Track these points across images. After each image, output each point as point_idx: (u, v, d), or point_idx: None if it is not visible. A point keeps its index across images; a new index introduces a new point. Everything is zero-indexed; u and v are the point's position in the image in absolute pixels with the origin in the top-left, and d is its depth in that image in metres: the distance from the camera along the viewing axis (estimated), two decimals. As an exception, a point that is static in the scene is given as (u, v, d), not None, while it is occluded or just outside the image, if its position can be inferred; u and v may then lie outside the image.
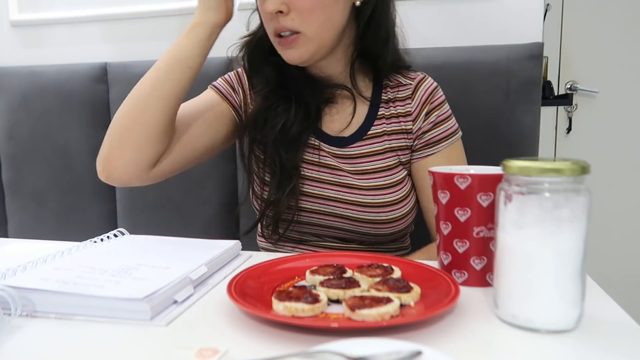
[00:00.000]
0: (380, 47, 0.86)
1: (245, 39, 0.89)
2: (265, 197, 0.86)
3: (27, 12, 1.41)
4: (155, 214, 1.29)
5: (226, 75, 0.92)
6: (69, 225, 1.35)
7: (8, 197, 1.40)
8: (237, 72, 0.92)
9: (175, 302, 0.55)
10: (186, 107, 0.83)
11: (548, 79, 2.04)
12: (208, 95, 0.89)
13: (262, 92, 0.86)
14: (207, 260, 0.64)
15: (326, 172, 0.86)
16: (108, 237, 0.75)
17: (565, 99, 2.03)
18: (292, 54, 0.80)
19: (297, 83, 0.86)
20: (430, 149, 0.88)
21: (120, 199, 1.32)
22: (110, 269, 0.60)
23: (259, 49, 0.87)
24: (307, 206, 0.85)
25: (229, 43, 0.90)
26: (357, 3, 0.81)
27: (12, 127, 1.35)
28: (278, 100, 0.85)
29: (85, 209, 1.34)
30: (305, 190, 0.85)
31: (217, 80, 0.91)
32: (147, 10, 1.33)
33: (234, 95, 0.89)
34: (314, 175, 0.85)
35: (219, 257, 0.67)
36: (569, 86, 2.11)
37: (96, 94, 1.30)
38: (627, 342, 0.45)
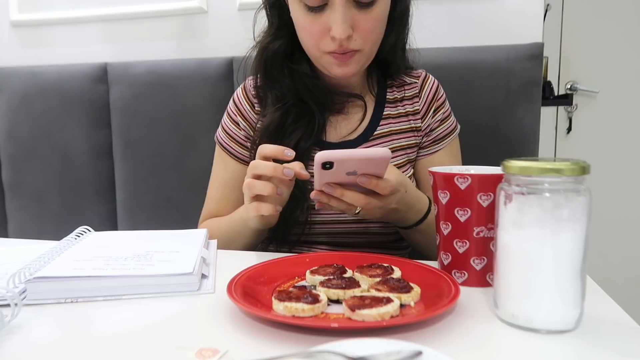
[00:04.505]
0: (399, 57, 0.87)
1: (255, 45, 0.86)
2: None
3: (27, 12, 1.41)
4: (155, 214, 1.29)
5: (224, 121, 0.92)
6: (69, 225, 1.33)
7: (8, 197, 1.39)
8: (233, 100, 0.91)
9: (204, 275, 0.62)
10: (228, 196, 0.91)
11: (548, 79, 2.04)
12: (229, 169, 0.91)
13: (282, 106, 0.83)
14: (201, 243, 0.69)
15: None
16: (77, 235, 0.76)
17: (565, 99, 2.04)
18: (346, 70, 0.79)
19: (311, 94, 0.84)
20: (436, 146, 0.89)
21: (120, 199, 1.32)
22: (127, 256, 0.64)
23: (276, 60, 0.84)
24: (317, 219, 0.84)
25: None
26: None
27: (12, 127, 1.35)
28: (296, 114, 0.83)
29: (85, 209, 1.34)
30: (313, 203, 0.84)
31: (221, 135, 0.92)
32: (147, 10, 1.33)
33: (240, 137, 0.89)
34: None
35: (205, 240, 0.73)
36: (569, 86, 2.11)
37: (96, 94, 1.30)
38: (627, 342, 0.45)
